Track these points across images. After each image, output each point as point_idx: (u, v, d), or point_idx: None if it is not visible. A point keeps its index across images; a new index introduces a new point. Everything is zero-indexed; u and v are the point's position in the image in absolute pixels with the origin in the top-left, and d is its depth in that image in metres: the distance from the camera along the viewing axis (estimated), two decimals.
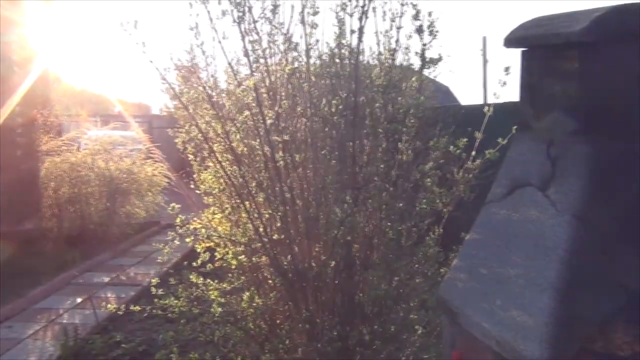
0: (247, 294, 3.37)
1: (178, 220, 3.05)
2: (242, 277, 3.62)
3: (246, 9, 2.75)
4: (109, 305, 3.56)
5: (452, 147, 3.12)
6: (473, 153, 3.09)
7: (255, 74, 2.92)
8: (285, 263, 3.19)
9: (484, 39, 17.67)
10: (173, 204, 3.07)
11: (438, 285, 3.08)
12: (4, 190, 7.66)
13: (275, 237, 3.28)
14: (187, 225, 3.19)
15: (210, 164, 3.85)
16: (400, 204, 3.26)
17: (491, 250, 2.26)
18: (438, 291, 2.47)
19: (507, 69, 2.82)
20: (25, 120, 8.75)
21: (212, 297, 3.39)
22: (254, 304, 3.38)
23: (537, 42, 2.25)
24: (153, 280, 3.37)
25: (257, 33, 2.88)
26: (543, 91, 2.26)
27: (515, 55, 2.47)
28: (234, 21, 2.74)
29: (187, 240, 3.15)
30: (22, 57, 8.71)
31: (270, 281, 3.50)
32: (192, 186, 4.18)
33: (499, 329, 1.84)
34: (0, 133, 7.65)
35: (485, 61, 18.26)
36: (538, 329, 1.68)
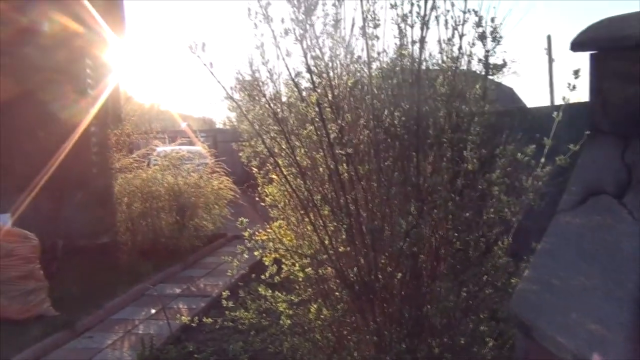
0: (315, 305, 3.40)
1: (247, 234, 3.13)
2: (309, 289, 3.67)
3: (308, 26, 2.80)
4: (182, 318, 3.68)
5: (519, 154, 3.05)
6: (542, 160, 3.00)
7: (317, 89, 2.96)
8: (352, 275, 3.20)
9: (549, 37, 17.08)
10: (242, 219, 3.15)
11: (509, 296, 3.00)
12: (82, 206, 8.09)
13: (340, 249, 3.30)
14: (255, 238, 3.27)
15: (275, 177, 3.93)
16: (467, 214, 3.21)
17: (564, 261, 2.19)
18: (510, 303, 2.41)
19: (576, 72, 2.72)
20: (99, 139, 9.23)
21: (281, 309, 3.45)
22: (322, 316, 3.41)
23: (606, 44, 2.18)
24: (224, 293, 3.47)
25: (320, 49, 2.93)
26: (614, 95, 2.18)
27: (583, 54, 2.39)
28: (297, 39, 2.81)
29: (255, 253, 3.23)
30: (95, 79, 9.20)
31: (337, 293, 3.52)
32: (257, 198, 4.28)
33: (575, 343, 1.78)
34: (78, 152, 8.09)
35: (550, 60, 17.62)
36: (618, 344, 1.61)
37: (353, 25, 3.21)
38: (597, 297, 1.85)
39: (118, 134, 9.77)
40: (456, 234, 3.19)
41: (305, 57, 2.86)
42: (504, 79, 3.90)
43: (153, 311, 6.49)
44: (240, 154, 4.13)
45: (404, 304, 3.26)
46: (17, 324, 5.67)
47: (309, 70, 2.90)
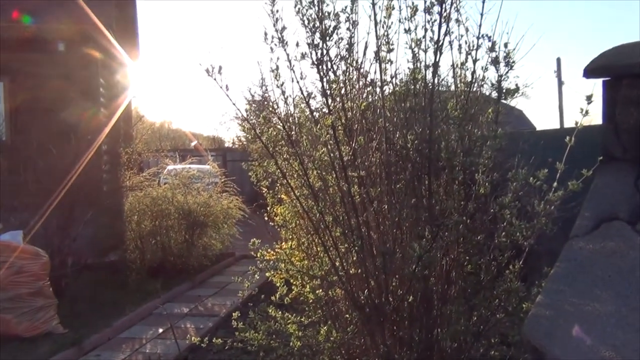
0: (325, 327, 3.39)
1: (259, 254, 3.14)
2: (319, 311, 3.66)
3: (324, 51, 2.84)
4: (193, 338, 3.68)
5: (531, 178, 3.04)
6: (554, 184, 3.00)
7: (332, 112, 2.99)
8: (362, 297, 3.19)
9: (559, 60, 17.11)
10: (254, 239, 3.17)
11: (520, 320, 2.98)
12: (92, 224, 8.12)
13: (351, 271, 3.30)
14: (266, 259, 3.27)
15: (285, 197, 3.95)
16: (479, 237, 3.21)
17: (578, 286, 2.18)
18: (522, 328, 2.39)
19: (589, 98, 2.73)
20: (111, 157, 9.31)
21: (291, 330, 3.44)
22: (331, 338, 3.40)
23: (620, 71, 2.20)
24: (234, 314, 3.47)
25: (335, 72, 2.97)
26: (628, 122, 2.19)
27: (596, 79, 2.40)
28: (313, 63, 2.85)
29: (267, 274, 3.24)
30: (108, 98, 9.33)
31: (347, 315, 3.51)
32: (265, 218, 4.28)
33: None
34: (90, 170, 8.16)
35: (560, 83, 17.60)
36: None
37: (366, 49, 3.26)
38: (612, 324, 1.85)
39: (129, 153, 9.85)
40: (467, 257, 3.19)
41: (322, 80, 2.89)
42: (514, 101, 3.92)
43: (161, 330, 6.47)
44: (250, 174, 4.15)
45: (414, 327, 3.25)
46: (25, 341, 5.67)
47: (324, 94, 2.94)
